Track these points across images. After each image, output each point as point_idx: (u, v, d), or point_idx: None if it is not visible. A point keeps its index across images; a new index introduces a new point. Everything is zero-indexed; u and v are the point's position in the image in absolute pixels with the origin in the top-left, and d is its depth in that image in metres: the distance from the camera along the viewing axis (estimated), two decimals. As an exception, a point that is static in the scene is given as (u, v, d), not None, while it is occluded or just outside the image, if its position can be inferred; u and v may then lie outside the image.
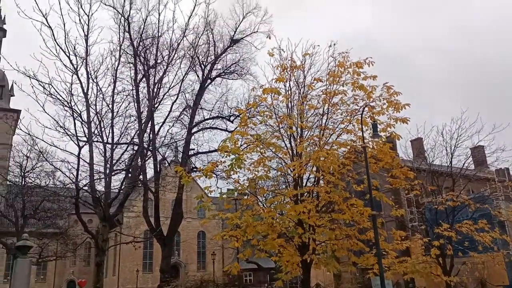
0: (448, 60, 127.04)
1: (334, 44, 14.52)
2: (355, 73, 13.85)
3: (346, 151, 14.20)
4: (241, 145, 13.63)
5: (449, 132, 20.17)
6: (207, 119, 29.52)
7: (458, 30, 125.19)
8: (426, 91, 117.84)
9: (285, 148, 14.18)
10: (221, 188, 18.81)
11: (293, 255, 12.84)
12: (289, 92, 14.61)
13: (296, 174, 13.37)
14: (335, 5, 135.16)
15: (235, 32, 28.46)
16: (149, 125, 25.61)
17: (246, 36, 28.76)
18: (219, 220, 41.32)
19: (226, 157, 13.40)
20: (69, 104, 20.66)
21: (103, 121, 21.89)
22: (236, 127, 16.98)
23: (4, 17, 52.98)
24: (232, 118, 28.62)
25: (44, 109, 19.41)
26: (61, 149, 20.28)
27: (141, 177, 26.03)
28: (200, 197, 13.12)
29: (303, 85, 14.76)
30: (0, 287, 43.77)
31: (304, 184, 13.96)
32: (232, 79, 30.20)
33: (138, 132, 23.86)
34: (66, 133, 20.31)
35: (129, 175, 23.24)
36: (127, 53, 25.66)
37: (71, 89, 20.84)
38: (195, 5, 25.87)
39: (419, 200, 24.29)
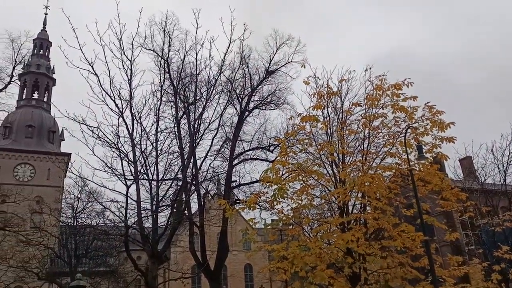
0: (493, 74, 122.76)
1: (370, 68, 14.50)
2: (394, 95, 13.65)
3: (392, 175, 13.82)
4: (282, 175, 13.59)
5: (499, 149, 19.34)
6: (247, 151, 29.74)
7: (500, 42, 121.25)
8: (471, 107, 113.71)
9: (328, 175, 14.00)
10: (265, 219, 18.74)
11: (345, 287, 12.42)
12: (328, 118, 14.55)
13: (341, 201, 13.10)
14: (372, 23, 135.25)
15: (269, 64, 28.90)
16: (192, 160, 26.12)
17: (281, 67, 29.11)
18: (265, 252, 40.79)
19: (268, 187, 13.40)
20: (116, 145, 21.57)
21: (148, 159, 22.65)
22: (277, 157, 16.99)
23: (53, 67, 56.79)
24: (272, 148, 28.69)
25: (93, 152, 20.42)
26: (109, 189, 21.07)
27: (186, 212, 26.37)
28: (244, 230, 13.10)
29: (341, 111, 14.67)
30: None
31: (350, 211, 13.64)
32: (270, 109, 30.47)
33: (181, 168, 24.38)
34: (114, 173, 21.14)
35: (174, 210, 23.64)
36: (168, 92, 26.57)
37: (118, 131, 21.81)
38: (230, 42, 26.60)
39: (474, 222, 23.11)
